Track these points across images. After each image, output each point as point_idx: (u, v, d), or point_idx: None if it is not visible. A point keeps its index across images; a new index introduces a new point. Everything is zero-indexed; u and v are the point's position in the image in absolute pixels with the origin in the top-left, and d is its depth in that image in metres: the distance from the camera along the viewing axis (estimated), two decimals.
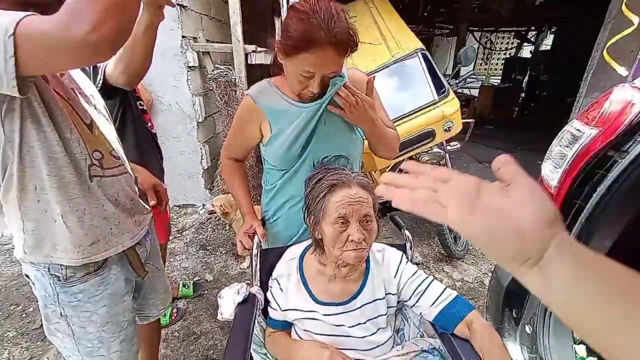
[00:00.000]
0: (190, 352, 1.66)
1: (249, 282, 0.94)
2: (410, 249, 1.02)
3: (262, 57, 2.75)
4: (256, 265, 0.98)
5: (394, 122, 1.88)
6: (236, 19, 2.41)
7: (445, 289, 0.84)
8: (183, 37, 2.49)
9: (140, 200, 0.97)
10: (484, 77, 8.56)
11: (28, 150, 0.68)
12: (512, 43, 8.89)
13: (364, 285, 0.86)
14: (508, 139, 5.90)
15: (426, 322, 0.87)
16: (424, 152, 2.21)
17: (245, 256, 2.33)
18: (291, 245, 1.00)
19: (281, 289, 0.89)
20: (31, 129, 0.67)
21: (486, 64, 10.05)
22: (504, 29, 8.11)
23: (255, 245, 0.99)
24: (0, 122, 0.63)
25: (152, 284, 1.07)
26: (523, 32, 7.67)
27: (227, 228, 2.67)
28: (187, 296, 1.98)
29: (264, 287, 0.95)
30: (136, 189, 0.97)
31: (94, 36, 0.51)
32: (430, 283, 0.86)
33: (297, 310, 0.86)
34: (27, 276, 0.83)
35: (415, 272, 0.88)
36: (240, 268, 2.29)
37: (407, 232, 1.05)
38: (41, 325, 1.77)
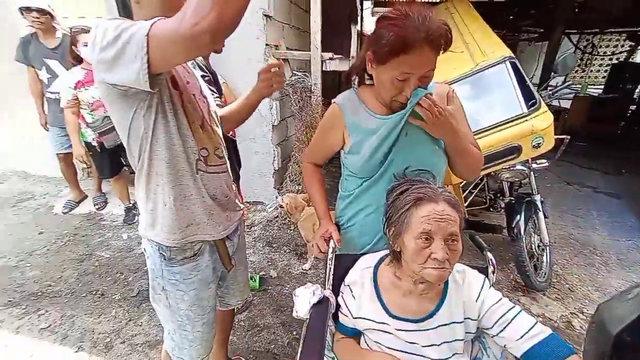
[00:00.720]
0: (254, 342, 1.78)
1: (313, 282, 0.96)
2: (493, 272, 0.96)
3: (336, 64, 2.83)
4: (330, 269, 1.01)
5: (475, 135, 1.78)
6: (316, 28, 2.52)
7: (536, 322, 0.77)
8: (266, 45, 2.69)
9: (235, 199, 1.08)
10: (579, 86, 7.47)
11: (156, 141, 0.82)
12: (622, 46, 7.59)
13: (441, 306, 0.83)
14: (608, 158, 5.05)
15: (510, 356, 0.81)
16: (505, 169, 2.03)
17: (307, 258, 2.42)
18: (365, 253, 1.01)
19: (353, 296, 0.91)
20: (161, 124, 0.81)
21: (583, 71, 8.75)
22: (612, 29, 6.96)
23: (330, 250, 1.03)
24: (142, 117, 0.78)
25: (235, 276, 1.18)
26: None
27: (292, 228, 2.80)
28: (254, 289, 2.13)
29: (335, 291, 0.98)
30: (233, 187, 1.08)
31: (211, 25, 0.56)
32: (517, 313, 0.79)
33: (369, 320, 0.87)
34: (144, 250, 0.99)
35: (500, 299, 0.83)
36: (302, 269, 2.37)
37: (489, 255, 0.98)
38: (138, 293, 2.10)
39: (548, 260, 2.19)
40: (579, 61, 8.05)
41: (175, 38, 0.61)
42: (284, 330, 1.86)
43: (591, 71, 8.84)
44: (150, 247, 0.95)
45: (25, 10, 2.42)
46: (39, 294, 2.11)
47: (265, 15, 2.58)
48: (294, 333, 1.83)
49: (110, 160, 2.68)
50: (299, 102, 2.67)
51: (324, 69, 2.69)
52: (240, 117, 1.17)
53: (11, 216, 3.05)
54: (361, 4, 4.59)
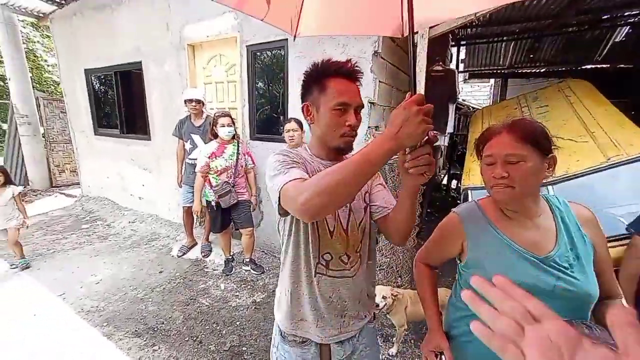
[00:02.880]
0: None
1: None
2: None
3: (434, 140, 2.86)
4: None
5: (609, 241, 1.52)
6: None
7: None
8: (368, 127, 2.93)
9: (363, 307, 1.08)
10: None
11: (289, 241, 1.01)
12: None
13: None
14: None
15: None
16: None
17: (394, 342, 2.24)
18: None
19: None
20: (293, 229, 0.99)
21: None
22: None
23: None
24: (283, 220, 1.01)
25: None
26: None
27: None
28: None
29: None
30: (365, 294, 1.08)
31: (303, 208, 0.74)
32: None
33: None
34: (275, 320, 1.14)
35: None
36: (388, 354, 2.20)
37: None
38: (229, 348, 2.24)
39: None
40: None
41: (291, 205, 0.80)
42: None
43: None
44: (277, 321, 1.11)
45: (188, 101, 3.25)
46: (156, 329, 2.44)
47: (370, 102, 2.86)
48: None
49: (223, 218, 3.13)
50: (395, 179, 2.74)
51: None
52: (402, 224, 0.93)
53: (143, 253, 3.74)
54: (457, 79, 4.69)
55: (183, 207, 3.59)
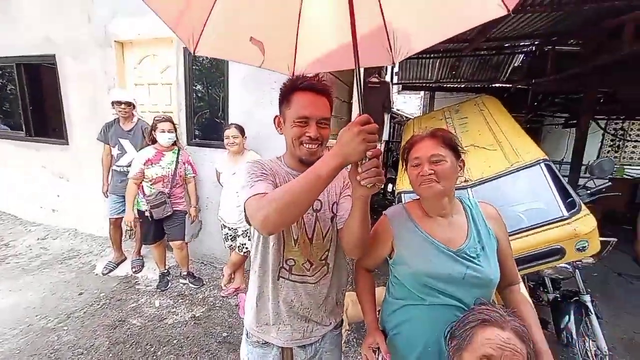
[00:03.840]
0: None
1: None
2: None
3: None
4: None
5: (511, 236, 1.78)
6: None
7: None
8: None
9: (326, 313, 1.12)
10: (615, 167, 7.30)
11: (257, 247, 1.06)
12: None
13: None
14: None
15: None
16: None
17: None
18: None
19: None
20: (262, 237, 1.05)
21: (617, 152, 8.62)
22: None
23: None
24: (257, 236, 1.06)
25: None
26: None
27: None
28: None
29: None
30: (331, 302, 1.13)
31: (262, 225, 0.82)
32: None
33: None
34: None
35: None
36: None
37: None
38: None
39: None
40: (608, 142, 8.00)
41: (252, 221, 0.88)
42: None
43: (624, 152, 8.67)
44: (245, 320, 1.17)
45: (116, 103, 2.94)
46: None
47: None
48: None
49: (155, 229, 2.89)
50: None
51: None
52: (352, 235, 0.92)
53: (57, 274, 3.24)
54: (392, 90, 5.08)
55: (110, 218, 3.22)
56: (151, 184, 2.75)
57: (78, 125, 3.87)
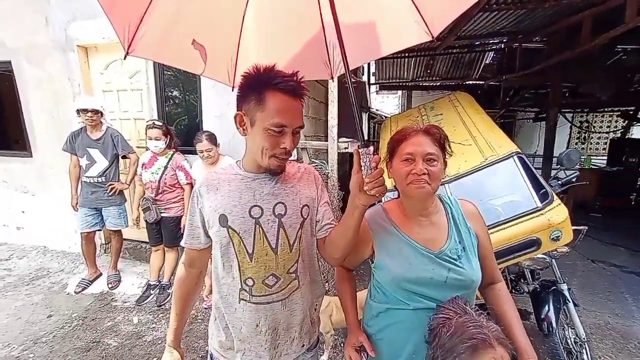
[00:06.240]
0: None
1: None
2: None
3: (348, 147, 3.03)
4: None
5: (490, 230, 1.80)
6: (333, 122, 2.79)
7: None
8: None
9: (300, 335, 1.00)
10: (582, 157, 7.69)
11: (212, 270, 0.98)
12: (617, 121, 8.02)
13: None
14: (628, 231, 4.95)
15: None
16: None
17: (324, 349, 2.27)
18: None
19: None
20: (216, 257, 0.96)
21: (583, 144, 9.10)
22: (604, 109, 7.46)
23: None
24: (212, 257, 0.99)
25: None
26: (631, 112, 6.91)
27: None
28: None
29: None
30: (304, 320, 1.01)
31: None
32: None
33: None
34: None
35: None
36: None
37: None
38: None
39: (589, 359, 2.01)
40: (575, 134, 8.42)
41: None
42: None
43: (590, 144, 9.15)
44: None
45: (82, 111, 2.79)
46: None
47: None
48: None
49: (153, 232, 2.90)
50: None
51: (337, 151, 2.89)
52: (345, 245, 0.93)
53: (23, 296, 3.02)
54: (369, 92, 5.11)
55: (81, 233, 3.03)
56: (146, 188, 2.81)
57: (41, 135, 3.65)
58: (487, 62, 5.81)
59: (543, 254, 2.03)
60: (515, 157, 2.09)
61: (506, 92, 6.44)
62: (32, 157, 3.75)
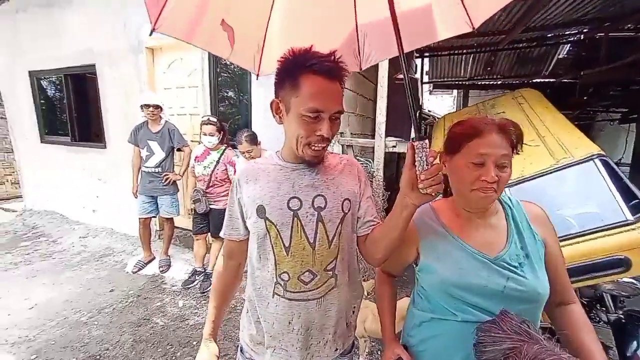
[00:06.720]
0: None
1: None
2: None
3: (397, 147, 2.88)
4: None
5: (563, 241, 1.55)
6: (381, 119, 2.67)
7: None
8: None
9: (334, 336, 0.93)
10: None
11: (249, 262, 0.97)
12: None
13: None
14: None
15: None
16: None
17: (359, 354, 2.16)
18: None
19: None
20: (252, 245, 0.94)
21: None
22: None
23: None
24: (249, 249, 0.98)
25: None
26: None
27: None
28: None
29: None
30: (340, 322, 0.94)
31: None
32: None
33: None
34: None
35: None
36: None
37: None
38: None
39: None
40: None
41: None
42: None
43: None
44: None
45: (145, 106, 3.05)
46: (98, 357, 2.17)
47: None
48: None
49: (199, 222, 3.04)
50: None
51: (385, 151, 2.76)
52: (391, 244, 0.86)
53: (93, 270, 3.40)
54: (422, 91, 4.84)
55: (139, 218, 3.32)
56: (197, 180, 2.96)
57: (114, 129, 4.09)
58: (560, 56, 5.14)
59: (632, 277, 1.69)
60: (596, 160, 1.77)
61: (584, 90, 5.64)
62: (106, 148, 4.23)
